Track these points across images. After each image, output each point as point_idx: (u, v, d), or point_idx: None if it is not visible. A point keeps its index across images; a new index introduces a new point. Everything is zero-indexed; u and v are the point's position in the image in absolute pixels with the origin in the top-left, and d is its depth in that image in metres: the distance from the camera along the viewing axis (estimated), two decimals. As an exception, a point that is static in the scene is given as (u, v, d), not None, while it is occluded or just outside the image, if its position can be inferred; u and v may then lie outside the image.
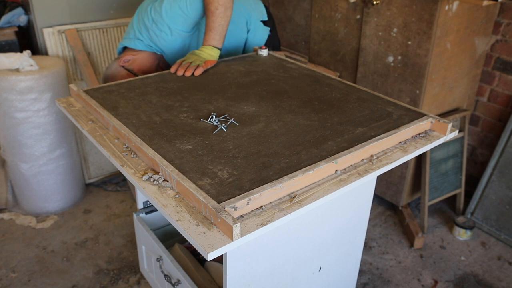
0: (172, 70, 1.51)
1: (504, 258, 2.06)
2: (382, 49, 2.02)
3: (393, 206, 2.38)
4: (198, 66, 1.49)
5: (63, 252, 2.05)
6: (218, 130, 1.13)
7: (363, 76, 2.16)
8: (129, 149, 1.10)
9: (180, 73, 1.49)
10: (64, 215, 2.29)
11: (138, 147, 1.05)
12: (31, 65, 2.02)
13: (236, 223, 0.79)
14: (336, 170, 1.02)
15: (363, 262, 2.01)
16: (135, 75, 1.65)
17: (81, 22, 2.33)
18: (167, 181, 0.96)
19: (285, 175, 0.94)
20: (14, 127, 2.08)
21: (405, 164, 2.10)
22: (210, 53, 1.53)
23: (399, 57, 1.97)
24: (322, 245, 1.27)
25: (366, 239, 2.08)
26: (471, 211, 2.27)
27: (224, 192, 0.89)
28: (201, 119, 1.19)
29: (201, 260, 1.44)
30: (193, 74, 1.49)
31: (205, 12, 1.53)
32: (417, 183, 2.25)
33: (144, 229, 1.44)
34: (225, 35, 1.56)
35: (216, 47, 1.53)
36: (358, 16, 2.09)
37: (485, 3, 1.71)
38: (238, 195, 0.88)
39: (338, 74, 2.30)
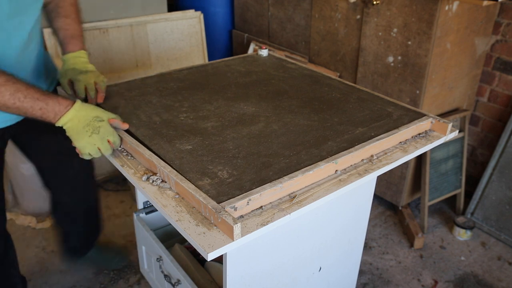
0: (98, 101, 1.27)
1: (504, 258, 2.06)
2: (382, 49, 2.02)
3: (393, 206, 2.38)
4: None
5: (63, 252, 2.04)
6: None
7: (363, 76, 2.16)
8: (125, 151, 1.10)
9: (102, 100, 1.27)
10: (64, 215, 2.29)
11: (134, 149, 1.05)
12: (31, 65, 2.01)
13: (236, 223, 0.79)
14: (336, 170, 1.02)
15: (363, 262, 2.01)
16: None
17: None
18: (166, 182, 0.96)
19: (285, 175, 0.94)
20: (14, 127, 2.07)
21: (405, 164, 2.10)
22: (87, 61, 1.34)
23: (399, 57, 1.97)
24: (322, 245, 1.27)
25: (366, 239, 2.08)
26: (471, 211, 2.27)
27: (224, 192, 0.89)
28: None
29: (201, 260, 1.44)
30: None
31: (62, 19, 1.34)
32: (417, 183, 2.25)
33: (144, 229, 1.44)
34: None
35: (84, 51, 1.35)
36: (358, 16, 2.09)
37: (485, 3, 1.70)
38: (238, 195, 0.88)
39: (338, 74, 2.30)
